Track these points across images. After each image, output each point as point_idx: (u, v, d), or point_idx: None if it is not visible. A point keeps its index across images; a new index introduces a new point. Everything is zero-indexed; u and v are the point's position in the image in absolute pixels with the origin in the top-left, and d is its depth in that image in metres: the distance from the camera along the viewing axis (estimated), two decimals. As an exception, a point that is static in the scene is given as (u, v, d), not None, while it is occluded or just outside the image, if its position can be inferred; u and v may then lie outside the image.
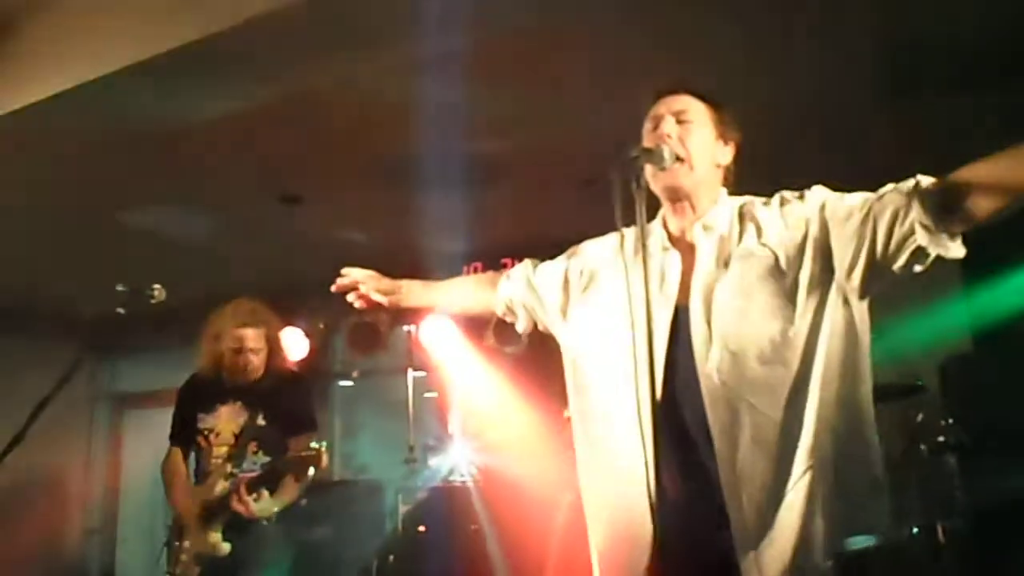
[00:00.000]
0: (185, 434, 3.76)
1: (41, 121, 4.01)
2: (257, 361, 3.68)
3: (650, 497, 1.63)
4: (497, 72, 3.70)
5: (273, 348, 3.76)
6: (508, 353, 5.63)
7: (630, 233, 1.94)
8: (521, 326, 2.33)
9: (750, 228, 1.98)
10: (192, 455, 3.74)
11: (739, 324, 1.88)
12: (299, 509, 3.59)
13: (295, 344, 5.59)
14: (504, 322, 5.91)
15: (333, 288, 2.38)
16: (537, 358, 5.61)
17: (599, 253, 2.21)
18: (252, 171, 4.81)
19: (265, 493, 3.39)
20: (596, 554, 2.05)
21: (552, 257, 2.47)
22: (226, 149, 4.46)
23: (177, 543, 3.57)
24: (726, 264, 1.95)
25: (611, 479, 1.98)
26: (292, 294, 6.12)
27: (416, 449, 5.68)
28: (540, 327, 2.32)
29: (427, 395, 6.19)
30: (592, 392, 2.08)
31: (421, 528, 4.99)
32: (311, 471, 3.34)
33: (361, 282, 2.37)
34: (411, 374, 6.13)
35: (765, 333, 1.86)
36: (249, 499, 3.36)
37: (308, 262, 6.05)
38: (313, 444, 3.29)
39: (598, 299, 2.13)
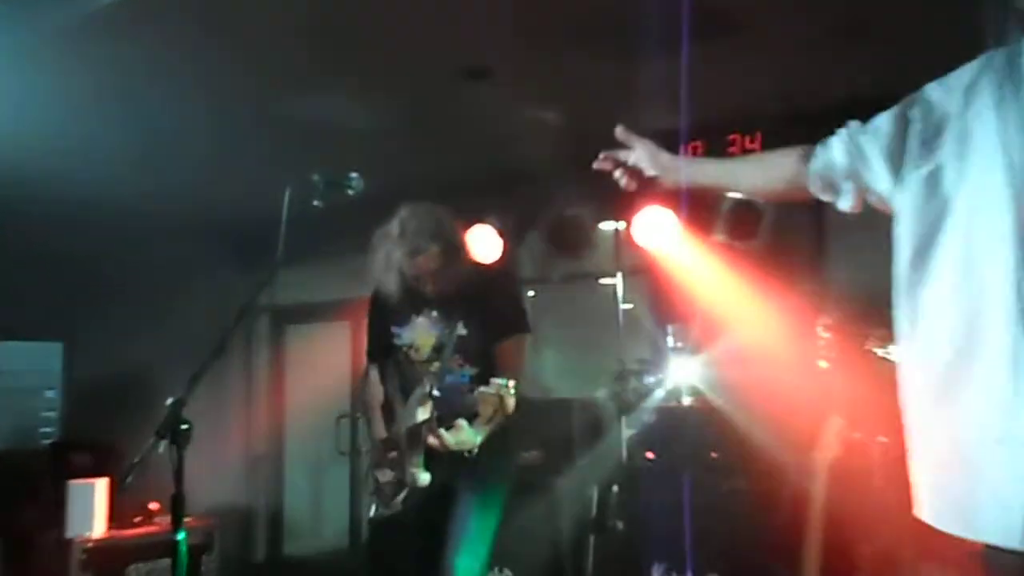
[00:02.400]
0: (383, 351, 3.98)
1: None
2: (441, 279, 3.78)
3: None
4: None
5: (459, 259, 3.83)
6: (744, 249, 5.59)
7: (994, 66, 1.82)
8: (846, 203, 2.28)
9: None
10: (395, 373, 3.94)
11: None
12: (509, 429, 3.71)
13: (486, 245, 5.76)
14: (739, 212, 5.88)
15: (596, 164, 2.43)
16: (779, 255, 5.59)
17: (950, 95, 2.09)
18: (432, 42, 4.86)
19: (462, 424, 3.46)
20: (946, 469, 2.01)
21: (802, 131, 2.42)
22: (400, 20, 4.54)
23: (378, 469, 3.83)
24: None
25: (987, 378, 1.92)
26: (481, 185, 6.31)
27: (629, 364, 5.81)
28: (872, 200, 2.26)
29: (628, 306, 6.29)
30: (947, 269, 2.00)
31: (649, 455, 5.19)
32: (497, 412, 3.33)
33: (636, 155, 2.41)
34: (620, 277, 6.23)
35: None
36: (443, 433, 3.44)
37: (497, 148, 6.21)
38: (500, 381, 3.29)
39: (953, 150, 2.04)
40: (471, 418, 3.45)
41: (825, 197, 2.31)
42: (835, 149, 2.26)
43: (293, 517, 8.92)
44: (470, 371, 3.66)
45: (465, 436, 3.46)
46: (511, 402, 3.28)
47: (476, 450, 3.51)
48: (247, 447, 8.91)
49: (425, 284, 3.79)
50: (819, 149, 2.29)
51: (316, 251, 6.76)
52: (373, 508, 3.87)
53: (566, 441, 5.74)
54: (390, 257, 3.76)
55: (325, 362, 8.14)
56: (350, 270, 6.05)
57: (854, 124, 2.27)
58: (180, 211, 7.53)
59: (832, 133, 2.31)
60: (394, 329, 3.90)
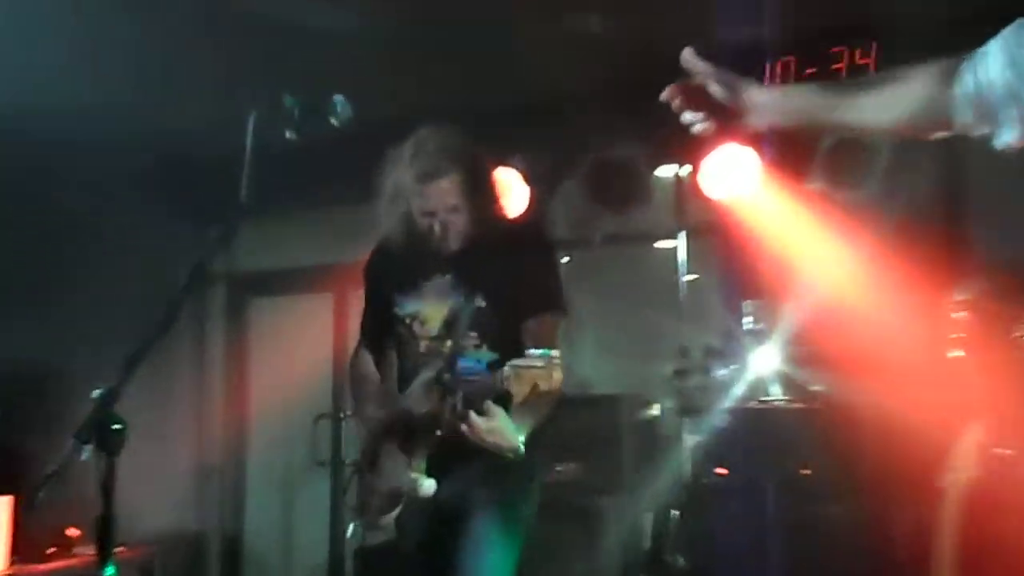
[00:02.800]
0: (380, 324, 3.99)
1: None
2: (460, 223, 3.76)
3: None
4: None
5: (485, 196, 3.83)
6: (849, 201, 5.52)
7: None
8: (1008, 137, 2.19)
9: None
10: (395, 353, 3.95)
11: None
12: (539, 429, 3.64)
13: (508, 194, 5.71)
14: (843, 150, 5.80)
15: (665, 95, 2.38)
16: (898, 208, 5.50)
17: None
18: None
19: (497, 410, 3.37)
20: None
21: (935, 41, 2.35)
22: None
23: (367, 475, 3.81)
24: None
25: None
26: (503, 117, 6.22)
27: (693, 352, 5.78)
28: None
29: (692, 276, 6.28)
30: None
31: (720, 470, 5.19)
32: (538, 391, 3.20)
33: (712, 83, 2.36)
34: (682, 239, 6.19)
35: None
36: (477, 420, 3.34)
37: (524, 67, 6.13)
38: (538, 352, 3.22)
39: None
40: (502, 404, 3.37)
41: (978, 130, 2.22)
42: (991, 64, 2.14)
43: (256, 546, 8.91)
44: (489, 356, 3.58)
45: (501, 425, 3.36)
46: (558, 376, 3.17)
47: (519, 450, 3.41)
48: (197, 455, 8.87)
49: (438, 231, 3.76)
50: (966, 66, 2.18)
51: (289, 200, 6.71)
52: (352, 528, 3.91)
53: (611, 451, 5.78)
54: (398, 186, 3.76)
55: (300, 346, 8.10)
56: (333, 225, 5.97)
57: (1013, 31, 2.15)
58: (108, 144, 7.33)
59: (980, 43, 2.20)
60: (396, 296, 3.91)
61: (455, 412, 3.38)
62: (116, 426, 2.44)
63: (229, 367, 9.03)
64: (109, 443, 2.43)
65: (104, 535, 2.48)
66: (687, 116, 2.41)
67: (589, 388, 6.43)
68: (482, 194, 3.80)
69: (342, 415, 7.92)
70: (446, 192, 3.70)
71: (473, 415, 3.33)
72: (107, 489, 2.45)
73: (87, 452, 2.41)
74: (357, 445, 4.01)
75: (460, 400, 3.36)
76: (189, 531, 8.65)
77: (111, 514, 2.46)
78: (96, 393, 2.47)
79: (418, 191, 3.71)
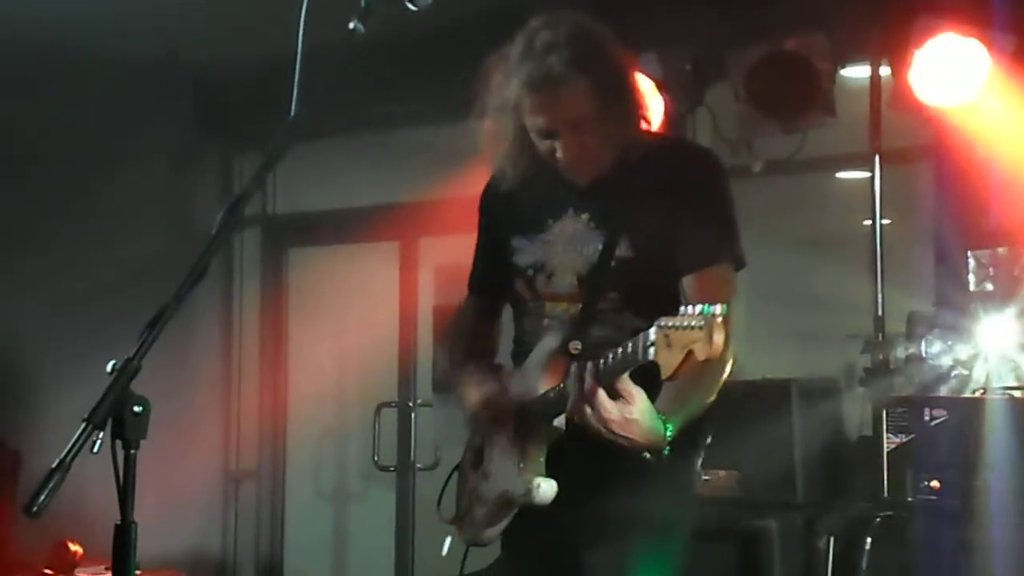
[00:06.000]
0: (494, 276, 4.05)
1: None
2: (591, 143, 3.66)
3: None
4: None
5: (624, 106, 3.70)
6: None
7: None
8: None
9: None
10: (513, 314, 4.01)
11: None
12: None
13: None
14: None
15: None
16: None
17: None
18: None
19: (634, 393, 3.29)
20: None
21: None
22: None
23: (470, 476, 3.89)
24: None
25: None
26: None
27: (892, 321, 5.86)
28: None
29: (888, 221, 6.19)
30: None
31: (932, 483, 5.11)
32: (693, 360, 3.10)
33: None
34: (876, 166, 6.11)
35: None
36: (607, 403, 3.29)
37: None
38: (697, 309, 3.07)
39: None
40: (645, 380, 3.30)
41: None
42: None
43: (299, 573, 9.04)
44: (637, 322, 3.49)
45: (639, 414, 3.29)
46: (719, 339, 3.03)
47: (665, 448, 3.37)
48: (224, 455, 9.00)
49: (562, 156, 3.68)
50: None
51: (345, 118, 6.66)
52: (447, 544, 3.95)
53: (779, 456, 5.83)
54: (505, 100, 3.66)
55: (356, 312, 8.20)
56: (403, 152, 5.93)
57: None
58: (117, 47, 7.53)
59: None
60: (516, 241, 3.90)
61: (581, 393, 3.33)
62: (136, 408, 2.44)
63: (265, 339, 9.11)
64: (129, 431, 2.42)
65: (122, 549, 2.48)
66: None
67: (747, 370, 6.26)
68: (621, 103, 3.67)
69: (411, 404, 7.99)
70: (566, 102, 3.60)
71: (602, 396, 3.28)
72: (126, 491, 2.45)
73: (99, 443, 2.39)
74: (442, 437, 3.99)
75: (589, 375, 3.32)
76: (215, 553, 8.85)
77: (130, 523, 2.46)
78: (111, 366, 2.46)
79: (531, 103, 3.61)
